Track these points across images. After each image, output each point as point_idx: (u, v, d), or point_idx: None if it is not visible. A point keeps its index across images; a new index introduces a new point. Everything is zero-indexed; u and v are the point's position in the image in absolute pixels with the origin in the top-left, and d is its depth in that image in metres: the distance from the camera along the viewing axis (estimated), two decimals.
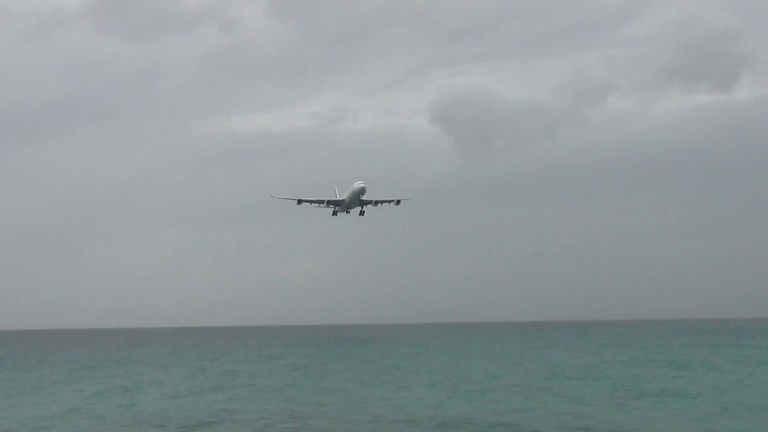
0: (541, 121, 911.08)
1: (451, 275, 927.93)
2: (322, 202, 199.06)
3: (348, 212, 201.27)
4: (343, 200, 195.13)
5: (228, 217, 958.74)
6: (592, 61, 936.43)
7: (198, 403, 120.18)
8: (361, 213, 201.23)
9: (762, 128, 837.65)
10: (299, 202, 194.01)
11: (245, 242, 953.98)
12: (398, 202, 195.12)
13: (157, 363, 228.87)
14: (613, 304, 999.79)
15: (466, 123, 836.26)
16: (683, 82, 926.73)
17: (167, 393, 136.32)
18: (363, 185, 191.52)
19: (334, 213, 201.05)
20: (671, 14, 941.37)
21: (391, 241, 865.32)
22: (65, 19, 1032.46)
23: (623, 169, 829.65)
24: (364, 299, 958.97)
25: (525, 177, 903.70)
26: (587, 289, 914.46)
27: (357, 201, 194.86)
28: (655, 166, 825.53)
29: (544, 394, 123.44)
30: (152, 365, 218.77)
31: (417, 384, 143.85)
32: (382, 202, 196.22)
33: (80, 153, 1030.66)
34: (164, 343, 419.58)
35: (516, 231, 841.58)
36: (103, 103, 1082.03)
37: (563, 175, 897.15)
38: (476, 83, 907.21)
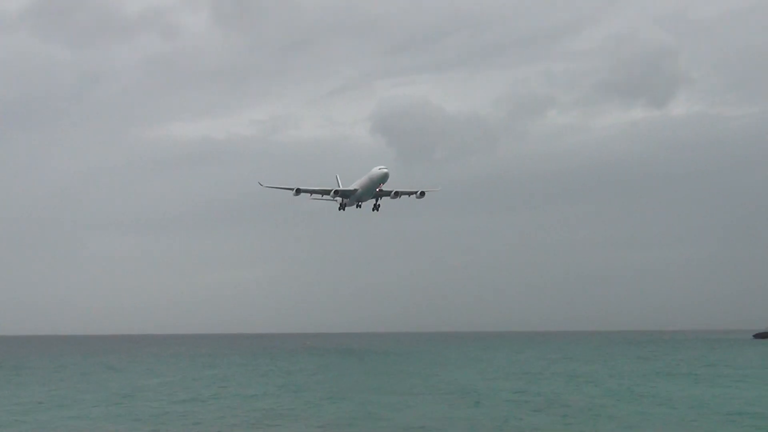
0: (481, 133, 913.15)
1: (387, 283, 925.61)
2: (327, 192, 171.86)
3: (359, 206, 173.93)
4: (355, 190, 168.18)
5: (165, 224, 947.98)
6: (532, 75, 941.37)
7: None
8: (376, 207, 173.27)
9: (695, 144, 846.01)
10: (297, 192, 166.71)
11: (182, 250, 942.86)
12: (422, 194, 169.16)
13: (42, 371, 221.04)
14: (544, 315, 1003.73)
15: (407, 134, 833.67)
16: (621, 98, 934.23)
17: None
18: (386, 170, 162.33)
19: (342, 207, 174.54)
20: (610, 31, 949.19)
21: (326, 248, 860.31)
22: (4, 24, 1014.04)
23: (561, 181, 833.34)
24: (305, 307, 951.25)
25: (465, 188, 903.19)
26: (520, 299, 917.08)
27: (373, 191, 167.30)
28: (592, 179, 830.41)
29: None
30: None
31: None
32: (404, 193, 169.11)
33: (15, 159, 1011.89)
34: (76, 352, 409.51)
35: (452, 241, 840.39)
36: (41, 108, 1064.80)
37: (502, 186, 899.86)
38: (418, 94, 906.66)
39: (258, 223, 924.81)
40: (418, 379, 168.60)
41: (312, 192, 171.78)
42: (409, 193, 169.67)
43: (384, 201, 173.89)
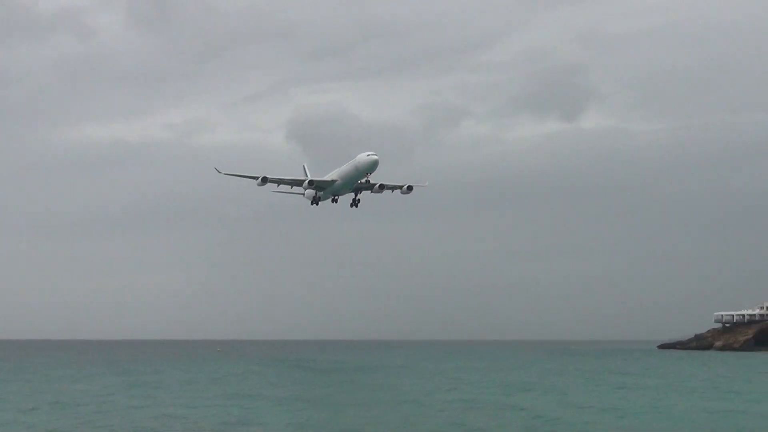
0: (397, 142, 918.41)
1: (302, 291, 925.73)
2: (299, 182, 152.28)
3: (335, 200, 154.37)
4: (333, 182, 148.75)
5: (74, 227, 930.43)
6: (447, 86, 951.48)
7: None
8: (355, 203, 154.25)
9: (605, 157, 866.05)
10: (264, 181, 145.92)
11: (88, 253, 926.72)
12: (410, 188, 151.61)
13: None
14: (457, 324, 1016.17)
15: (323, 141, 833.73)
16: (534, 111, 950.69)
17: None
18: (376, 157, 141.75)
19: (315, 201, 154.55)
20: (524, 45, 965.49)
21: (240, 255, 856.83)
22: None
23: (476, 192, 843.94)
24: (213, 313, 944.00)
25: (381, 197, 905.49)
26: (433, 308, 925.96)
27: (355, 183, 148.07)
28: (507, 190, 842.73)
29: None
30: None
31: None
32: (390, 187, 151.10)
33: None
34: None
35: (367, 249, 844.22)
36: None
37: (418, 196, 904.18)
38: (334, 102, 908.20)
39: (172, 228, 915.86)
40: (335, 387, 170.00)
41: (281, 182, 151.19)
42: (396, 188, 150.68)
43: (365, 196, 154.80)
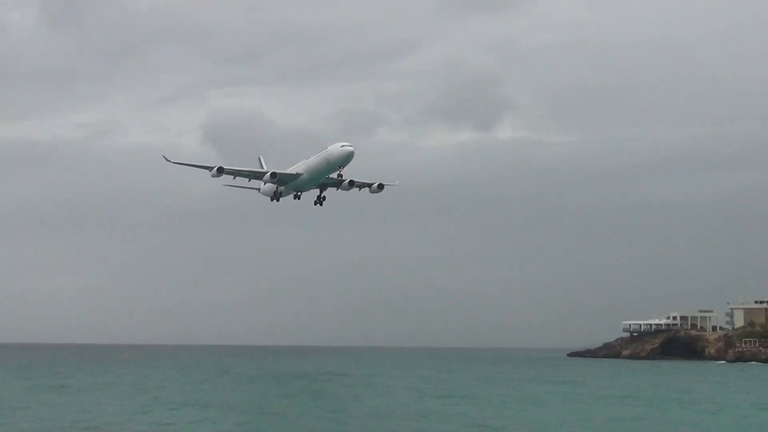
0: (312, 148, 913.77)
1: (220, 296, 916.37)
2: (259, 175, 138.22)
3: (297, 196, 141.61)
4: (298, 175, 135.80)
5: None
6: (363, 93, 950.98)
7: None
8: (320, 200, 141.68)
9: (518, 167, 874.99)
10: (220, 171, 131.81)
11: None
12: (380, 186, 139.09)
13: None
14: (371, 332, 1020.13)
15: (238, 145, 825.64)
16: (449, 120, 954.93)
17: None
18: (351, 149, 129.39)
19: (275, 196, 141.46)
20: (439, 54, 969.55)
21: (149, 259, 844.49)
22: None
23: (391, 199, 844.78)
24: (126, 317, 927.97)
25: (296, 203, 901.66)
26: (347, 316, 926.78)
27: (323, 177, 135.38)
28: (421, 198, 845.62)
29: None
30: None
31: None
32: (360, 185, 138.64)
33: None
34: None
35: (288, 255, 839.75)
36: None
37: (334, 202, 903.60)
38: (250, 106, 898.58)
39: (82, 231, 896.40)
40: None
41: (239, 173, 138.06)
42: (366, 185, 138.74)
43: (331, 192, 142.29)
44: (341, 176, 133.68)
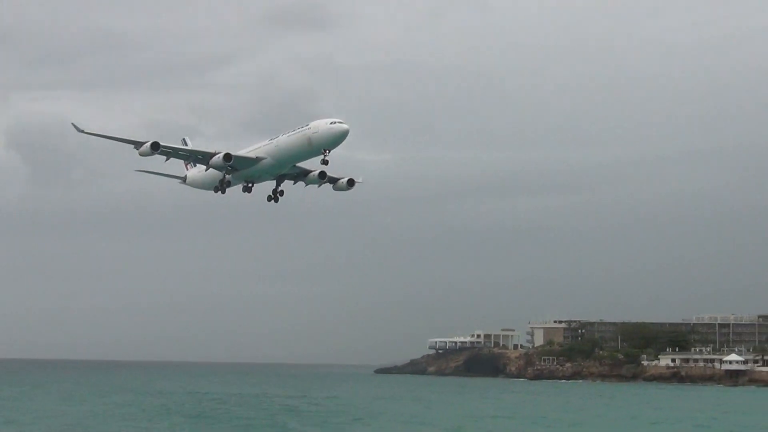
0: (119, 158, 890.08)
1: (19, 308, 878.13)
2: (206, 156, 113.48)
3: (248, 188, 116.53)
4: (259, 160, 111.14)
5: None
6: (178, 103, 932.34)
7: None
8: (276, 195, 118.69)
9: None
10: (155, 147, 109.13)
11: None
12: (351, 182, 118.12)
13: None
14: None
15: (44, 152, 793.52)
16: (264, 135, 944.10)
17: None
18: (346, 127, 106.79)
19: (221, 187, 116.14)
20: (256, 70, 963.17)
21: None
22: None
23: (204, 211, 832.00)
24: None
25: (103, 211, 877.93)
26: (166, 330, 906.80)
27: (294, 164, 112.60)
28: (240, 210, 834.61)
29: None
30: None
31: None
32: (332, 179, 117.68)
33: None
34: None
35: (96, 265, 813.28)
36: None
37: (140, 211, 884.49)
38: (57, 112, 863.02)
39: None
40: None
41: (179, 153, 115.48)
42: (336, 180, 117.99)
43: (289, 188, 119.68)
44: (326, 162, 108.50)
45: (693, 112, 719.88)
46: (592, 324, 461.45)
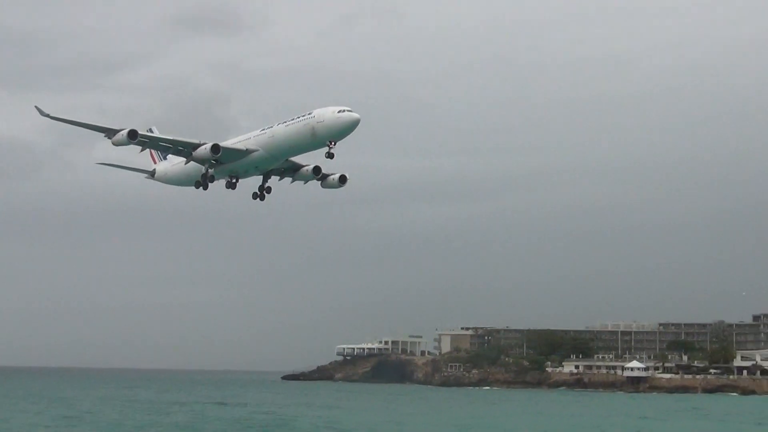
0: (23, 159, 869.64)
1: None
2: (190, 147, 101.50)
3: (233, 185, 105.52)
4: (251, 152, 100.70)
5: None
6: (85, 105, 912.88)
7: None
8: (262, 193, 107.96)
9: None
10: (132, 136, 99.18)
11: None
12: (343, 179, 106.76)
13: None
14: (81, 351, 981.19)
15: None
16: None
17: None
18: (357, 116, 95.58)
19: (204, 182, 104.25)
20: (165, 72, 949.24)
21: None
22: None
23: (104, 216, 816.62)
24: None
25: (5, 215, 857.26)
26: (58, 332, 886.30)
27: (288, 157, 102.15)
28: (145, 215, 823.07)
29: None
30: None
31: None
32: (325, 176, 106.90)
33: None
34: None
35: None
36: None
37: (47, 214, 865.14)
38: None
39: None
40: None
41: (157, 145, 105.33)
42: (328, 176, 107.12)
43: (280, 184, 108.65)
44: (332, 156, 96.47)
45: (595, 126, 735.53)
46: (498, 331, 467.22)
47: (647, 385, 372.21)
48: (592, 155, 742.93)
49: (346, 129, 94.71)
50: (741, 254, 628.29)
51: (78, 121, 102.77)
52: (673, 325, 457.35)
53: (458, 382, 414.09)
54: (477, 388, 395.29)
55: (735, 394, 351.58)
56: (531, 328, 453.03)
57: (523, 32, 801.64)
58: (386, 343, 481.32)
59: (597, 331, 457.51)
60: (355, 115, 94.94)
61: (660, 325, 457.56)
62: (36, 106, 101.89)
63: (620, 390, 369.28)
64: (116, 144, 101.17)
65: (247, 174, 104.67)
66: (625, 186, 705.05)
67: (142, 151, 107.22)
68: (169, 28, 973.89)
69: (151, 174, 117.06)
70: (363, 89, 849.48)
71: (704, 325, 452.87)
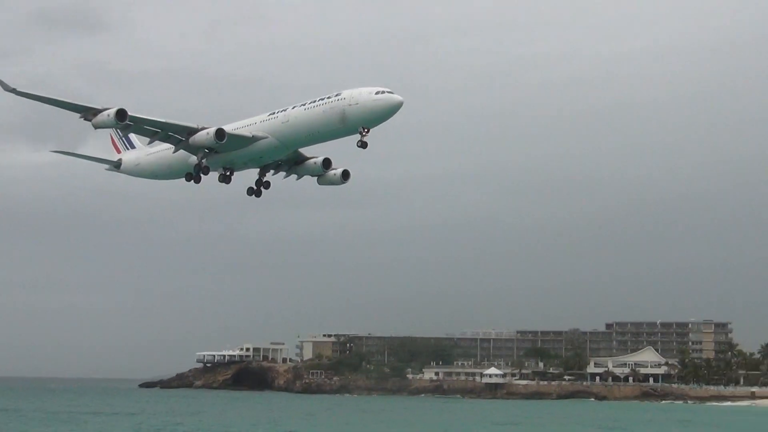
0: None
1: None
2: (186, 132, 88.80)
3: (227, 177, 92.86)
4: (258, 140, 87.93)
5: None
6: None
7: None
8: (259, 189, 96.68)
9: (113, 192, 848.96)
10: (121, 116, 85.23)
11: None
12: (347, 174, 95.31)
13: None
14: None
15: None
16: (30, 140, 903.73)
17: None
18: (400, 99, 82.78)
19: (196, 173, 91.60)
20: (26, 71, 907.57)
21: None
22: None
23: None
24: None
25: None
26: None
27: (301, 147, 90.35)
28: (12, 218, 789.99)
29: None
30: None
31: None
32: (330, 169, 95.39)
33: None
34: None
35: None
36: None
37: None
38: None
39: None
40: None
41: (147, 128, 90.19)
42: (329, 171, 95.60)
43: (279, 181, 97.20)
44: (365, 145, 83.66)
45: (476, 134, 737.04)
46: (360, 338, 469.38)
47: (504, 392, 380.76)
48: (461, 162, 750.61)
49: (385, 114, 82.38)
50: (595, 264, 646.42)
51: (52, 97, 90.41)
52: (530, 332, 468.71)
53: (320, 389, 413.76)
54: (338, 395, 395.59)
55: (592, 399, 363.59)
56: (393, 336, 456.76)
57: (396, 40, 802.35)
58: (248, 349, 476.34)
59: (457, 339, 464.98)
60: (398, 97, 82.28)
61: (517, 332, 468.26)
62: (0, 80, 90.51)
63: (479, 396, 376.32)
64: (98, 126, 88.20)
65: (245, 166, 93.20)
66: (497, 192, 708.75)
67: (123, 135, 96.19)
68: (29, 27, 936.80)
69: (116, 165, 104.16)
70: (232, 92, 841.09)
71: (560, 333, 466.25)
